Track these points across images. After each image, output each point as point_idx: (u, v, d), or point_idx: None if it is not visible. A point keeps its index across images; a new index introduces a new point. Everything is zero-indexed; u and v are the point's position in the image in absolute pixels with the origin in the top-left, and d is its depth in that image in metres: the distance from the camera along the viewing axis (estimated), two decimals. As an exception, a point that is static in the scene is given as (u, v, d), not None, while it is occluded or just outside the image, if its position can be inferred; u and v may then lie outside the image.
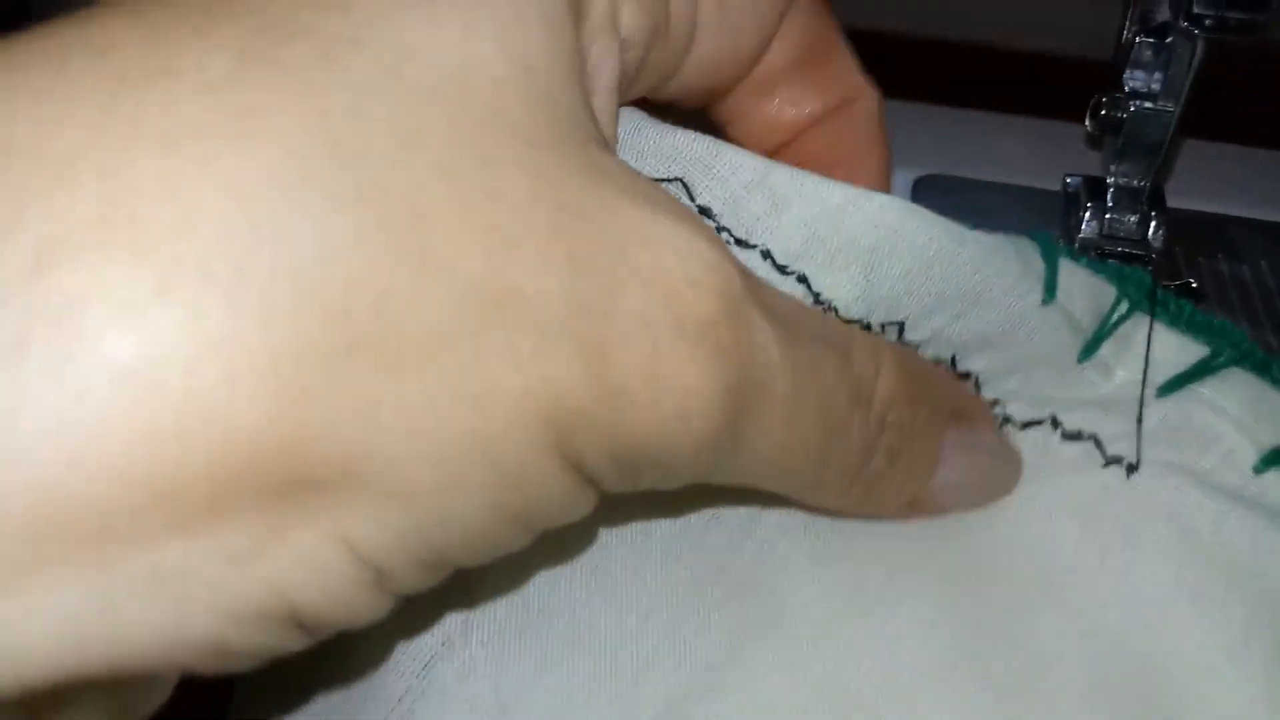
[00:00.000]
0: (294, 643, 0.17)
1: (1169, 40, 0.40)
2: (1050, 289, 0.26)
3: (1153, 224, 0.43)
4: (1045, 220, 0.46)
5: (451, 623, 0.24)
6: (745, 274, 0.19)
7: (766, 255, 0.25)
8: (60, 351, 0.13)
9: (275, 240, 0.14)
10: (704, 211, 0.25)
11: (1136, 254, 0.43)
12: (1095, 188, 0.44)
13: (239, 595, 0.15)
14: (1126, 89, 0.41)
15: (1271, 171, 0.49)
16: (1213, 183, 0.48)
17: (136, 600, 0.14)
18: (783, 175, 0.25)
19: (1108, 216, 0.43)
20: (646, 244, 0.17)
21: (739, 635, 0.24)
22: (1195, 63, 0.39)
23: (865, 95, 0.26)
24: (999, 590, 0.25)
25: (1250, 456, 0.25)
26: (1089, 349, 0.26)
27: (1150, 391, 0.26)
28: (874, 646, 0.24)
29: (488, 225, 0.15)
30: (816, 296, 0.25)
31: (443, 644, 0.24)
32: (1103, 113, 0.41)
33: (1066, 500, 0.25)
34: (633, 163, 0.25)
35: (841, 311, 0.26)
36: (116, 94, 0.14)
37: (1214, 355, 0.26)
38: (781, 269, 0.25)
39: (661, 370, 0.17)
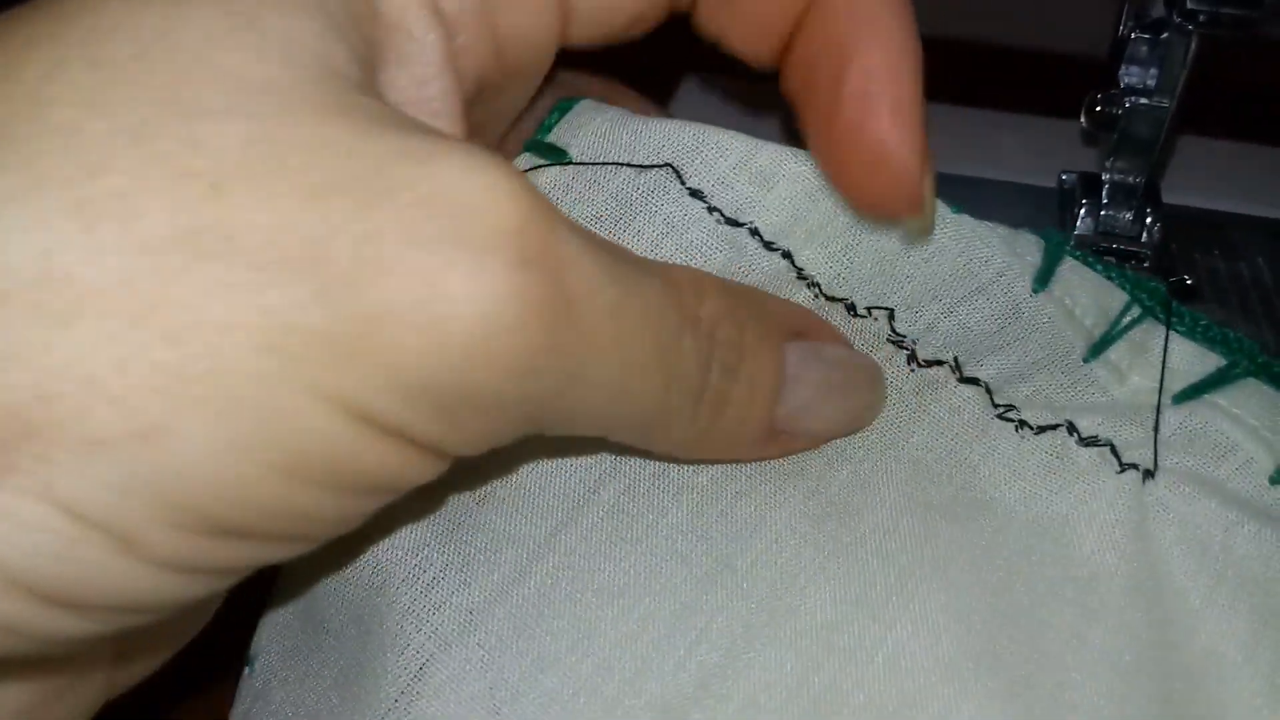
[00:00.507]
0: (57, 622, 0.16)
1: (1164, 36, 0.40)
2: (1042, 279, 0.26)
3: (1148, 221, 0.43)
4: (1042, 217, 0.46)
5: (449, 624, 0.24)
6: (549, 201, 0.18)
7: (755, 233, 0.26)
8: None
9: None
10: (695, 194, 0.26)
11: (1132, 251, 0.43)
12: (1090, 184, 0.44)
13: None
14: (1122, 85, 0.41)
15: (1268, 168, 0.49)
16: (1209, 179, 0.48)
17: None
18: (768, 155, 0.25)
19: (1103, 213, 0.43)
20: (418, 166, 0.16)
21: (740, 639, 0.23)
22: (1190, 59, 0.39)
23: None
24: (1012, 593, 0.24)
25: (1267, 467, 0.25)
26: (1096, 349, 0.26)
27: (1166, 399, 0.26)
28: (880, 651, 0.23)
29: (184, 172, 0.15)
30: (800, 272, 0.26)
31: (439, 646, 0.24)
32: (1098, 109, 0.41)
33: (1083, 504, 0.25)
34: (620, 154, 0.26)
35: (825, 289, 0.26)
36: None
37: (1231, 365, 0.26)
38: (768, 245, 0.26)
39: (446, 289, 0.16)
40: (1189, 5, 0.37)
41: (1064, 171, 0.45)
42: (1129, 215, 0.43)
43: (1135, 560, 0.25)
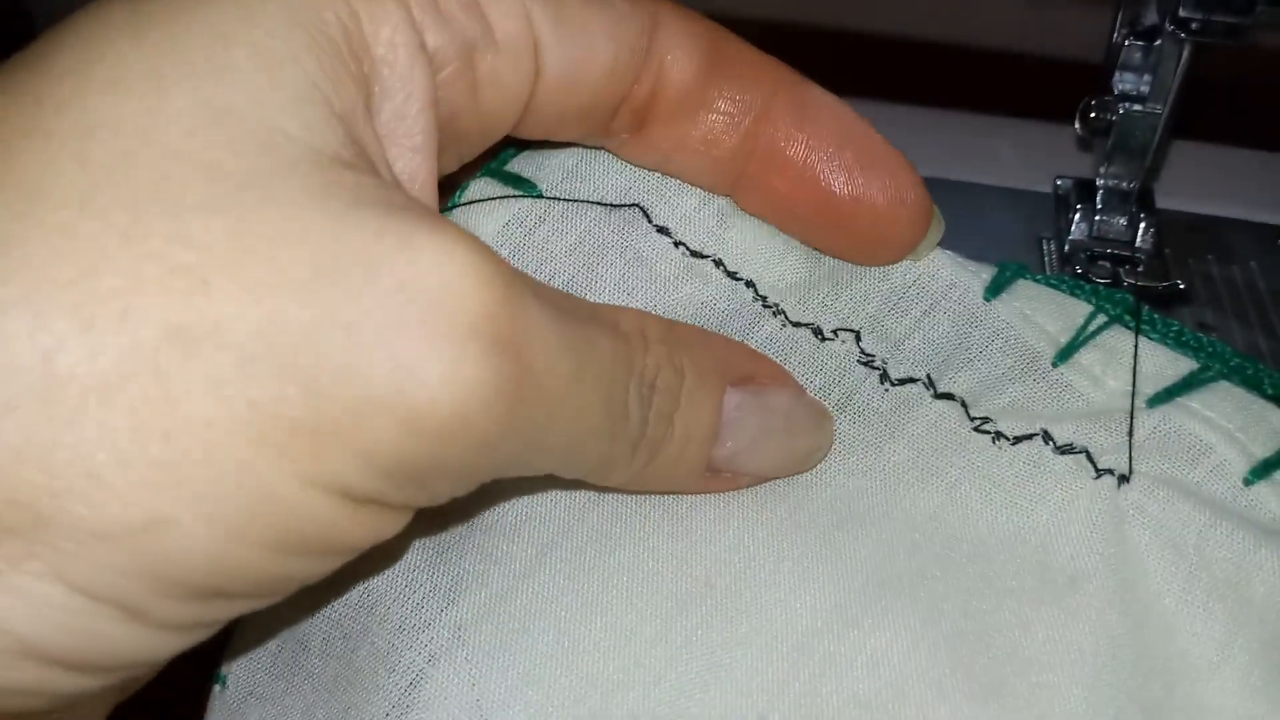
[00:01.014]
0: (72, 683, 0.17)
1: (1157, 43, 0.40)
2: (993, 289, 0.27)
3: (1141, 226, 0.43)
4: (1037, 223, 0.46)
5: (438, 639, 0.24)
6: (515, 270, 0.19)
7: (719, 264, 0.27)
8: None
9: None
10: (662, 230, 0.27)
11: (1125, 255, 0.43)
12: (1085, 190, 0.44)
13: None
14: (1116, 92, 0.42)
15: (1263, 173, 0.50)
16: (1204, 184, 0.49)
17: None
18: (726, 199, 0.27)
19: (1097, 218, 0.44)
20: (397, 250, 0.17)
21: (720, 649, 0.24)
22: (1182, 66, 0.40)
23: (784, 78, 0.25)
24: (990, 600, 0.25)
25: (1241, 468, 0.26)
26: (1064, 354, 0.27)
27: (1140, 402, 0.26)
28: (856, 661, 0.24)
29: (174, 268, 0.16)
30: (764, 300, 0.27)
31: (428, 661, 0.24)
32: (1092, 115, 0.42)
33: (1061, 512, 0.26)
34: (590, 192, 0.27)
35: (790, 315, 0.27)
36: None
37: (1203, 369, 0.26)
38: (732, 275, 0.27)
39: (424, 377, 0.17)
40: (1181, 13, 0.37)
41: (1059, 177, 0.46)
42: (1123, 220, 0.44)
43: (1111, 565, 0.25)
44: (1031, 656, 0.24)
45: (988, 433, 0.26)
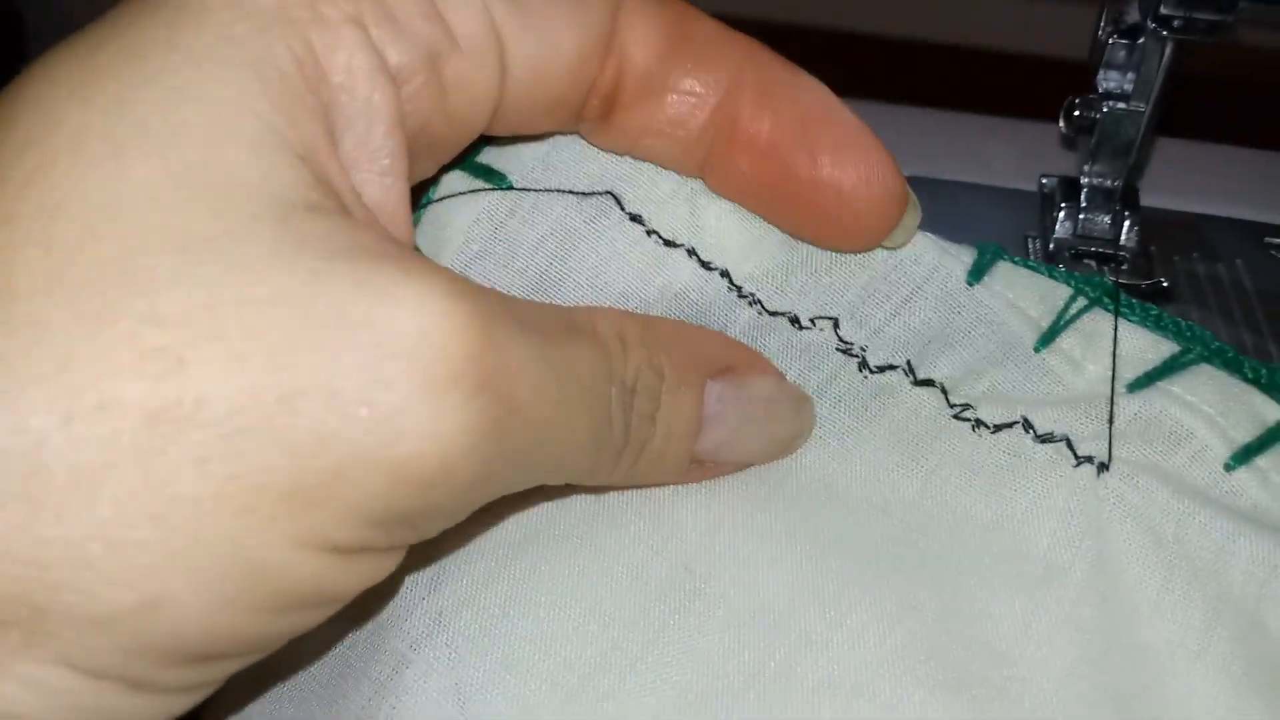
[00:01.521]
0: None
1: (1140, 41, 0.40)
2: (975, 273, 0.27)
3: (1126, 224, 0.43)
4: (1023, 221, 0.46)
5: (419, 626, 0.25)
6: (491, 297, 0.19)
7: (692, 253, 0.27)
8: None
9: None
10: (634, 218, 0.27)
11: (1110, 254, 0.43)
12: (1070, 188, 0.44)
13: None
14: (1100, 90, 0.42)
15: (1248, 171, 0.50)
16: (1190, 182, 0.49)
17: None
18: (699, 182, 0.26)
19: (1081, 217, 0.44)
20: (374, 302, 0.17)
21: (695, 635, 0.24)
22: (1165, 63, 0.40)
23: (752, 56, 0.24)
24: (966, 589, 0.25)
25: (1221, 454, 0.26)
26: (1046, 338, 0.27)
27: (1121, 387, 0.26)
28: (832, 643, 0.24)
29: (148, 350, 0.16)
30: (739, 290, 0.27)
31: (410, 647, 0.24)
32: (1076, 114, 0.42)
33: (1040, 501, 0.26)
34: (561, 181, 0.26)
35: (767, 304, 0.27)
36: None
37: (1184, 351, 0.26)
38: (705, 265, 0.27)
39: (408, 431, 0.17)
40: (1163, 11, 0.37)
41: (1044, 175, 0.46)
42: (1107, 218, 0.44)
43: (1088, 558, 0.25)
44: (1004, 649, 0.24)
45: (967, 420, 0.26)
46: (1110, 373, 0.26)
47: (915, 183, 0.50)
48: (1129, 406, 0.26)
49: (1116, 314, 0.26)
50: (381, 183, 0.20)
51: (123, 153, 0.17)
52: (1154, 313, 0.27)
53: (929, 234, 0.27)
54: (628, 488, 0.26)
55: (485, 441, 0.18)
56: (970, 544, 0.25)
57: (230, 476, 0.16)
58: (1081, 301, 0.26)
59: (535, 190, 0.27)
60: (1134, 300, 0.27)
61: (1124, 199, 0.44)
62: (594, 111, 0.24)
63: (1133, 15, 0.40)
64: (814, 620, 0.24)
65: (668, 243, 0.27)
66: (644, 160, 0.26)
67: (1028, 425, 0.26)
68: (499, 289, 0.26)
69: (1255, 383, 0.26)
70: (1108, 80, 0.42)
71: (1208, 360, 0.26)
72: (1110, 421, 0.26)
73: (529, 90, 0.22)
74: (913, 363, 0.27)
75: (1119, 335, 0.26)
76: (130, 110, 0.17)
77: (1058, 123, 0.42)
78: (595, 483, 0.24)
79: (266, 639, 0.19)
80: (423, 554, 0.25)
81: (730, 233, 0.27)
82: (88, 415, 0.16)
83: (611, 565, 0.25)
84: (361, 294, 0.17)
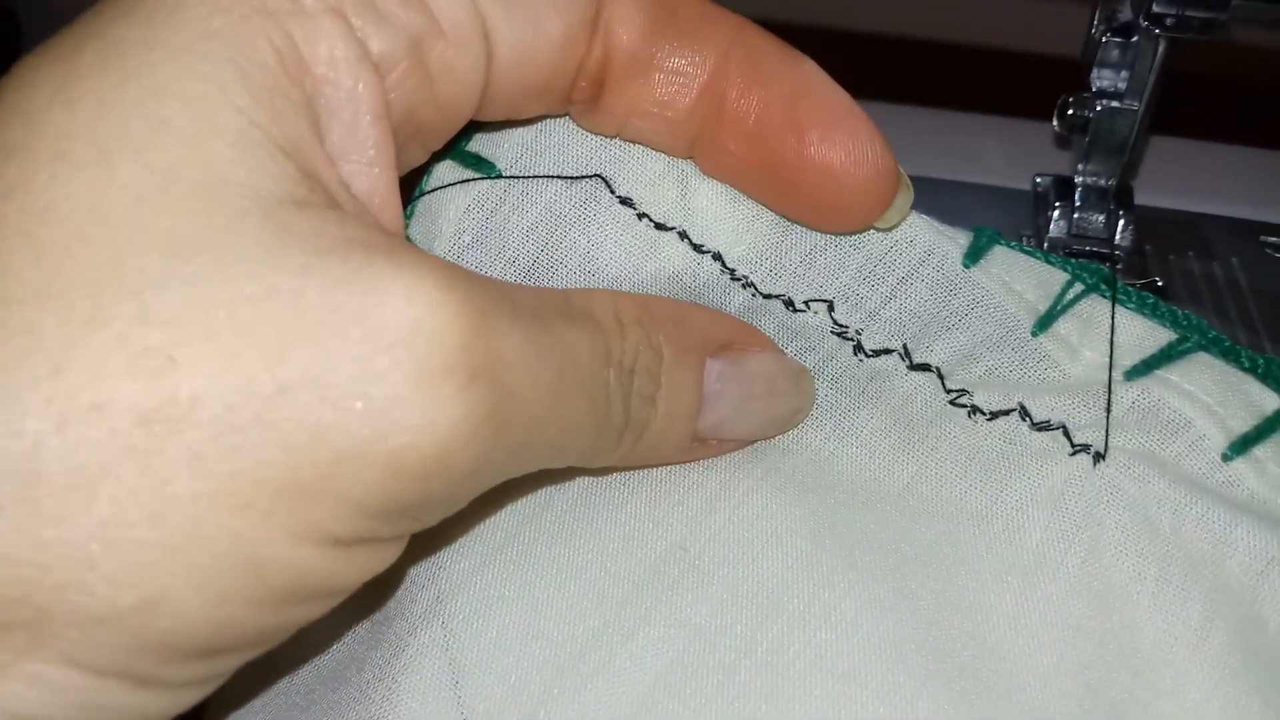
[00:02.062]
0: None
1: (1133, 40, 0.40)
2: (972, 255, 0.26)
3: (1120, 223, 0.43)
4: (1017, 220, 0.46)
5: (418, 610, 0.25)
6: (484, 285, 0.19)
7: (684, 236, 0.27)
8: None
9: None
10: (625, 201, 0.26)
11: (1105, 253, 0.43)
12: (1064, 187, 0.44)
13: None
14: (1094, 88, 0.42)
15: (1243, 169, 0.50)
16: (1185, 180, 0.48)
17: None
18: (690, 162, 0.26)
19: (1076, 216, 0.44)
20: (364, 295, 0.17)
21: (688, 610, 0.24)
22: (1158, 62, 0.39)
23: (740, 34, 0.24)
24: (958, 579, 0.25)
25: (1219, 443, 0.25)
26: (1043, 322, 0.26)
27: (1118, 375, 0.26)
28: (826, 624, 0.24)
29: (140, 351, 0.16)
30: (732, 273, 0.27)
31: (409, 630, 0.25)
32: (1069, 112, 0.42)
33: (1034, 490, 0.25)
34: (549, 165, 0.26)
35: (761, 287, 0.27)
36: None
37: (1181, 339, 0.26)
38: (697, 248, 0.27)
39: (404, 422, 0.17)
40: (1155, 9, 0.37)
41: (1038, 174, 0.46)
42: (1101, 218, 0.44)
43: (1082, 549, 0.25)
44: (994, 641, 0.24)
45: (964, 406, 0.26)
46: (1107, 360, 0.26)
47: (911, 182, 0.50)
48: (1126, 394, 0.26)
49: (1114, 300, 0.26)
50: (370, 173, 0.20)
51: (108, 155, 0.17)
52: (1150, 300, 0.26)
53: (924, 215, 0.27)
54: (631, 468, 0.26)
55: (482, 430, 0.18)
56: (964, 533, 0.25)
57: (227, 473, 0.16)
58: (1078, 287, 0.26)
59: (525, 177, 0.26)
60: (1130, 288, 0.26)
61: (1118, 198, 0.44)
62: (582, 94, 0.24)
63: (1126, 13, 0.40)
64: (808, 602, 0.24)
65: (659, 226, 0.26)
66: (633, 142, 0.26)
67: (1024, 412, 0.26)
68: (494, 277, 0.26)
69: (1252, 372, 0.26)
70: (1101, 79, 0.42)
71: (1205, 348, 0.26)
72: (1108, 410, 0.26)
73: (516, 74, 0.22)
74: (909, 346, 0.27)
75: (1116, 322, 0.26)
76: (113, 112, 0.17)
77: (1052, 121, 0.42)
78: (597, 464, 0.24)
79: (270, 632, 0.19)
80: (424, 542, 0.26)
81: (722, 215, 0.26)
82: (83, 417, 0.16)
83: (606, 545, 0.25)
84: (352, 287, 0.17)
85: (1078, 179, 0.44)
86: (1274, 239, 0.46)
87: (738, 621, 0.24)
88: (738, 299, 0.27)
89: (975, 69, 0.58)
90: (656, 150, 0.26)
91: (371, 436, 0.17)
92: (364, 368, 0.17)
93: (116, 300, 0.16)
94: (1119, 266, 0.43)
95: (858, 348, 0.27)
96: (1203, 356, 0.26)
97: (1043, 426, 0.26)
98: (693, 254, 0.27)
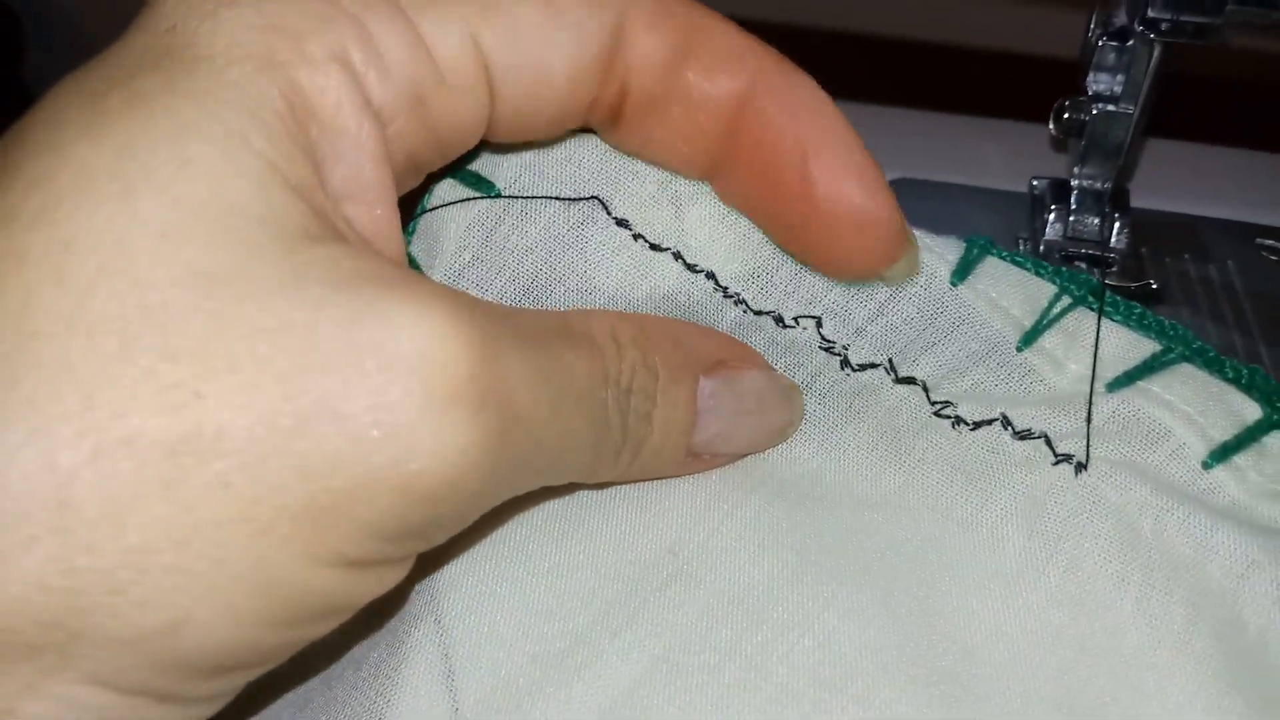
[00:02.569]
0: None
1: (1130, 43, 0.41)
2: (960, 273, 0.27)
3: (1116, 226, 0.44)
4: (1013, 223, 0.47)
5: (416, 605, 0.26)
6: (489, 312, 0.20)
7: (678, 256, 0.27)
8: None
9: None
10: (621, 223, 0.27)
11: (1100, 255, 0.43)
12: (1060, 190, 0.44)
13: None
14: (1090, 92, 0.42)
15: (1239, 171, 0.50)
16: (1181, 183, 0.49)
17: None
18: (683, 180, 0.27)
19: (1072, 218, 0.44)
20: (377, 327, 0.18)
21: (675, 612, 0.25)
22: (1153, 66, 0.40)
23: (763, 69, 0.24)
24: (941, 586, 0.25)
25: (1199, 452, 0.26)
26: (1028, 338, 0.27)
27: (1100, 386, 0.26)
28: (809, 633, 0.24)
29: (167, 385, 0.17)
30: (724, 290, 0.27)
31: (404, 627, 0.25)
32: (1065, 116, 0.42)
33: (1017, 499, 0.26)
34: (547, 186, 0.27)
35: (752, 304, 0.27)
36: None
37: (1164, 351, 0.26)
38: (691, 268, 0.27)
39: (416, 448, 0.18)
40: (1151, 13, 0.37)
41: (1035, 178, 0.46)
42: (1097, 220, 0.44)
43: (1064, 558, 0.25)
44: (974, 647, 0.25)
45: (948, 417, 0.27)
46: (1090, 371, 0.26)
47: (907, 184, 0.50)
48: (1107, 405, 0.26)
49: (1100, 313, 0.26)
50: (372, 212, 0.21)
51: (131, 189, 0.18)
52: (1137, 311, 0.27)
53: (915, 231, 0.27)
54: (626, 482, 0.26)
55: (489, 454, 0.19)
56: (949, 541, 0.26)
57: (249, 501, 0.17)
58: (1066, 300, 0.27)
59: (524, 197, 0.27)
60: (1118, 299, 0.27)
61: (1114, 201, 0.44)
62: (600, 120, 0.24)
63: (1121, 18, 0.40)
64: (792, 612, 0.25)
65: (654, 246, 0.27)
66: (651, 163, 0.26)
67: (1006, 422, 0.26)
68: (493, 294, 0.27)
69: (1236, 383, 0.26)
70: (1097, 82, 0.42)
71: (1188, 360, 0.26)
72: (1089, 420, 0.26)
73: (520, 112, 0.23)
74: (895, 360, 0.27)
75: (1101, 335, 0.26)
76: (138, 148, 0.18)
77: (1049, 124, 0.42)
78: (596, 480, 0.24)
79: (283, 648, 0.20)
80: (428, 554, 0.26)
81: (715, 235, 0.27)
82: (114, 450, 0.17)
83: (598, 546, 0.26)
84: (365, 320, 0.18)
85: (1074, 182, 0.44)
86: (1270, 241, 0.46)
87: (724, 626, 0.24)
88: (730, 315, 0.27)
89: (973, 71, 0.58)
90: (673, 172, 0.26)
91: (385, 463, 0.18)
92: (379, 398, 0.18)
93: (142, 334, 0.17)
94: (1114, 269, 0.43)
95: (844, 362, 0.27)
96: (1185, 367, 0.26)
97: (1024, 436, 0.26)
98: (686, 273, 0.27)
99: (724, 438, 0.26)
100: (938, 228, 0.28)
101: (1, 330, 0.17)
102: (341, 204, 0.20)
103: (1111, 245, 0.44)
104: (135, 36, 0.20)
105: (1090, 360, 0.26)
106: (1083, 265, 0.43)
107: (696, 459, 0.26)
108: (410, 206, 0.27)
